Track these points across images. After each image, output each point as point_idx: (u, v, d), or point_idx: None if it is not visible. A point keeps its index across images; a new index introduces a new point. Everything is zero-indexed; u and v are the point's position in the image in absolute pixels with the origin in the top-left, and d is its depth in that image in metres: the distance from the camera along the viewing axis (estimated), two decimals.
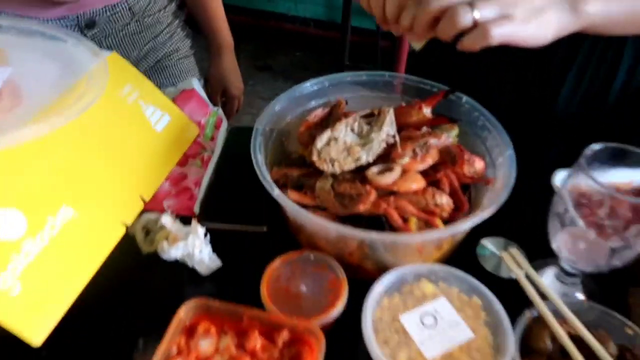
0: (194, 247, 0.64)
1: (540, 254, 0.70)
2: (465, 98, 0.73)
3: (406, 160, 0.62)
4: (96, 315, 0.62)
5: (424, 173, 0.63)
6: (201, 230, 0.64)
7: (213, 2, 1.19)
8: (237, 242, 0.71)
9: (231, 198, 0.75)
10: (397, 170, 0.61)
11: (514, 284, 0.67)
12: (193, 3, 1.19)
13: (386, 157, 0.64)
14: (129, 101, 0.71)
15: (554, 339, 0.57)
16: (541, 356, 0.56)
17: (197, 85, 0.87)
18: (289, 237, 0.69)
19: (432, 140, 0.65)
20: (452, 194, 0.63)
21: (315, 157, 0.62)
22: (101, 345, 0.60)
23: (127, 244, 0.67)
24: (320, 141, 0.62)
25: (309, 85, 0.76)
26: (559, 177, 0.77)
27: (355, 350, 0.59)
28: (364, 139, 0.63)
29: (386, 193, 0.61)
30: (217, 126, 0.85)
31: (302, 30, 3.01)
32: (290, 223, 0.65)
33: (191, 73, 1.21)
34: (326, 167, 0.62)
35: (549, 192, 0.78)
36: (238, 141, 0.85)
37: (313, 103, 0.78)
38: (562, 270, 0.64)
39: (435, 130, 0.71)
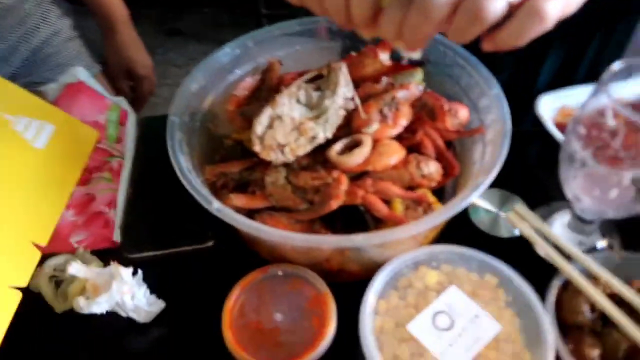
0: (122, 294, 0.48)
1: (537, 199, 0.60)
2: None
3: (375, 127, 0.48)
4: None
5: (399, 138, 0.50)
6: (126, 271, 0.48)
7: None
8: (181, 269, 0.55)
9: (160, 213, 0.58)
10: (366, 143, 0.46)
11: (515, 243, 0.56)
12: None
13: (347, 127, 0.50)
14: None
15: (592, 306, 0.47)
16: (581, 331, 0.46)
17: (84, 75, 0.68)
18: (245, 248, 0.55)
19: (400, 94, 0.50)
20: (439, 157, 0.49)
21: (257, 147, 0.47)
22: None
23: (35, 302, 0.51)
24: (260, 124, 0.47)
25: (229, 50, 0.59)
26: (545, 104, 0.66)
27: None
28: (316, 109, 0.48)
29: (357, 174, 0.47)
30: (121, 122, 0.67)
31: None
32: (244, 235, 0.50)
33: (81, 58, 0.99)
34: (274, 157, 0.47)
35: (526, 122, 0.67)
36: (154, 135, 0.67)
37: (238, 72, 0.61)
38: (577, 217, 0.53)
39: (397, 79, 0.57)
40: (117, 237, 0.56)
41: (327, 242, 0.42)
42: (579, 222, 0.54)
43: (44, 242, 0.51)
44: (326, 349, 0.44)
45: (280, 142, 0.47)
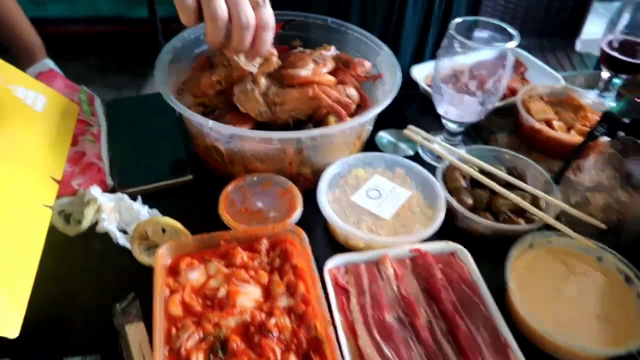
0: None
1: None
2: (329, 19, 0.82)
3: (312, 66, 0.69)
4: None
5: None
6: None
7: (8, 3, 0.98)
8: (167, 202, 0.70)
9: (143, 159, 0.73)
10: (310, 66, 0.67)
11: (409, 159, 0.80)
12: None
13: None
14: None
15: (464, 176, 0.71)
16: (460, 191, 0.70)
17: (53, 65, 0.80)
18: (218, 180, 0.71)
19: (324, 52, 0.73)
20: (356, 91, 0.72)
21: (243, 60, 0.64)
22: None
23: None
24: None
25: (186, 35, 0.77)
26: (417, 71, 0.92)
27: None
28: None
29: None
30: (90, 103, 0.80)
31: (89, 30, 2.78)
32: (225, 158, 0.67)
33: None
34: (252, 68, 0.65)
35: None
36: (122, 111, 0.82)
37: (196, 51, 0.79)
38: (448, 133, 0.79)
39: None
40: (109, 181, 0.69)
41: (295, 135, 0.61)
42: (449, 136, 0.79)
43: (58, 177, 0.63)
44: (299, 218, 0.62)
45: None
